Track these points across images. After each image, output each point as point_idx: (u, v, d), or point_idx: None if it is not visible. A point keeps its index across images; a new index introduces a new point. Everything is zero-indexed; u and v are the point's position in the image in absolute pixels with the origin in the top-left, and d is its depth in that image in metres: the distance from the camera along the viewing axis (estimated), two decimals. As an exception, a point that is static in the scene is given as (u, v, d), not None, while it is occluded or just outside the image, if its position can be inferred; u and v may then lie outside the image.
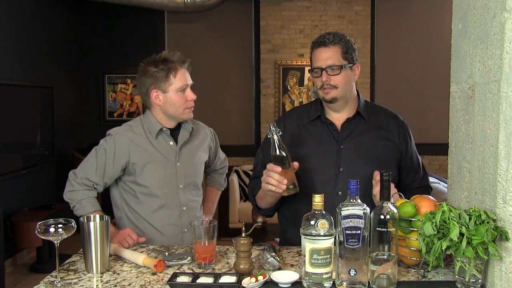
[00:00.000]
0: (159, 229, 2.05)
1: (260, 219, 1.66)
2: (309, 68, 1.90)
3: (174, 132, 2.10)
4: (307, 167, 1.83)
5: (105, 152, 2.01)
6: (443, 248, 1.30)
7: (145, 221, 2.05)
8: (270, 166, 1.64)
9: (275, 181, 1.62)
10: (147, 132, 2.06)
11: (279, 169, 1.61)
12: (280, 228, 2.03)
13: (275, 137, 1.62)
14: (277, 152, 1.62)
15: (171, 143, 2.08)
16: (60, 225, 1.49)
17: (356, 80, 1.90)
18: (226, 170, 2.45)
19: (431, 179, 4.45)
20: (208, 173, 2.41)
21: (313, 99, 1.97)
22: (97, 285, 1.48)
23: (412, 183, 1.96)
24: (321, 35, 1.86)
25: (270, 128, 1.63)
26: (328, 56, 1.81)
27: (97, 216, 1.65)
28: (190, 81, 2.06)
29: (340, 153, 1.85)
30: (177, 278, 1.46)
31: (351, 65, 1.84)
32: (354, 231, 1.35)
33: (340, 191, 1.80)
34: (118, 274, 1.56)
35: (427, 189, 1.99)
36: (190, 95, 2.04)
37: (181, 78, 2.02)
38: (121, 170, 2.03)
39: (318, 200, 1.38)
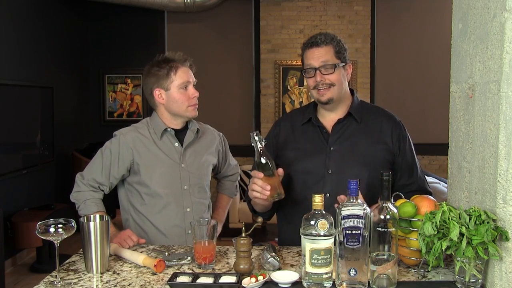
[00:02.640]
0: (162, 231, 2.06)
1: (260, 219, 1.67)
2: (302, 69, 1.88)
3: (181, 134, 2.12)
4: (298, 169, 1.85)
5: (110, 153, 2.04)
6: (443, 248, 1.30)
7: (149, 222, 2.06)
8: (253, 173, 1.66)
9: (259, 187, 1.63)
10: (152, 133, 2.08)
11: (261, 175, 1.63)
12: (277, 228, 2.03)
13: (258, 145, 1.63)
14: (260, 160, 1.63)
15: (176, 144, 2.09)
16: (60, 225, 1.49)
17: (349, 80, 1.89)
18: (237, 177, 2.42)
19: (430, 179, 4.41)
20: (219, 180, 2.40)
21: (312, 100, 1.97)
22: (97, 285, 1.48)
23: (407, 186, 1.88)
24: (312, 36, 1.85)
25: (253, 137, 1.64)
26: (321, 54, 1.80)
27: (97, 216, 1.65)
28: (192, 79, 2.08)
29: (330, 155, 1.84)
30: (177, 278, 1.46)
31: (343, 64, 1.83)
32: (354, 231, 1.35)
33: (328, 193, 1.77)
34: (118, 274, 1.56)
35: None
36: (193, 92, 2.06)
37: (182, 75, 2.04)
38: (127, 170, 2.05)
39: (318, 200, 1.39)
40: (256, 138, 1.63)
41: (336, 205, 1.50)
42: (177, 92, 2.04)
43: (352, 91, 1.94)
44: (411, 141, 1.93)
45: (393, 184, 1.85)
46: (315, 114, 1.91)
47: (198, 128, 2.14)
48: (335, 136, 1.86)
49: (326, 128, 1.88)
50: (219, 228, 2.27)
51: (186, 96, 2.05)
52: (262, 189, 1.62)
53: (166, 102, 2.06)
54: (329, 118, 1.89)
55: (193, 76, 2.09)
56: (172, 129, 2.09)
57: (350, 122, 1.88)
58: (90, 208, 1.99)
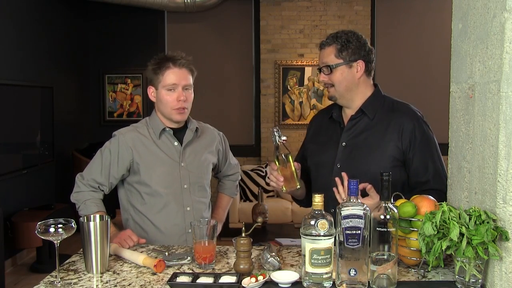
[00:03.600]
0: (162, 230, 2.06)
1: (260, 219, 1.68)
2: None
3: (180, 133, 2.11)
4: (313, 161, 1.98)
5: (110, 153, 2.04)
6: (443, 248, 1.30)
7: (149, 221, 2.06)
8: (271, 164, 1.81)
9: (274, 178, 1.78)
10: (152, 133, 2.08)
11: (275, 167, 1.76)
12: None
13: (277, 139, 1.74)
14: (276, 153, 1.75)
15: (175, 143, 2.09)
16: (60, 225, 1.49)
17: (360, 76, 1.87)
18: (238, 177, 2.40)
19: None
20: (220, 179, 2.39)
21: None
22: (97, 285, 1.48)
23: (423, 184, 1.82)
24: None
25: (273, 132, 1.76)
26: (323, 56, 1.90)
27: (97, 216, 1.65)
28: (184, 82, 2.01)
29: (340, 150, 1.89)
30: (177, 278, 1.46)
31: (343, 62, 1.84)
32: (354, 231, 1.35)
33: (335, 186, 1.77)
34: (118, 274, 1.56)
35: (439, 195, 1.67)
36: (179, 95, 2.00)
37: (171, 77, 2.00)
38: (126, 170, 2.05)
39: (318, 200, 1.39)
40: (276, 134, 1.75)
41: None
42: (164, 93, 2.01)
43: (376, 86, 1.96)
44: (431, 139, 1.87)
45: (408, 181, 1.86)
46: (339, 110, 1.98)
47: (197, 127, 2.14)
48: (348, 132, 1.91)
49: (344, 123, 1.94)
50: (219, 228, 2.27)
51: (172, 99, 2.00)
52: (276, 180, 1.77)
53: (156, 101, 2.07)
54: (347, 114, 1.95)
55: (187, 79, 2.03)
56: (171, 128, 2.09)
57: (362, 119, 1.90)
58: (90, 208, 1.99)
